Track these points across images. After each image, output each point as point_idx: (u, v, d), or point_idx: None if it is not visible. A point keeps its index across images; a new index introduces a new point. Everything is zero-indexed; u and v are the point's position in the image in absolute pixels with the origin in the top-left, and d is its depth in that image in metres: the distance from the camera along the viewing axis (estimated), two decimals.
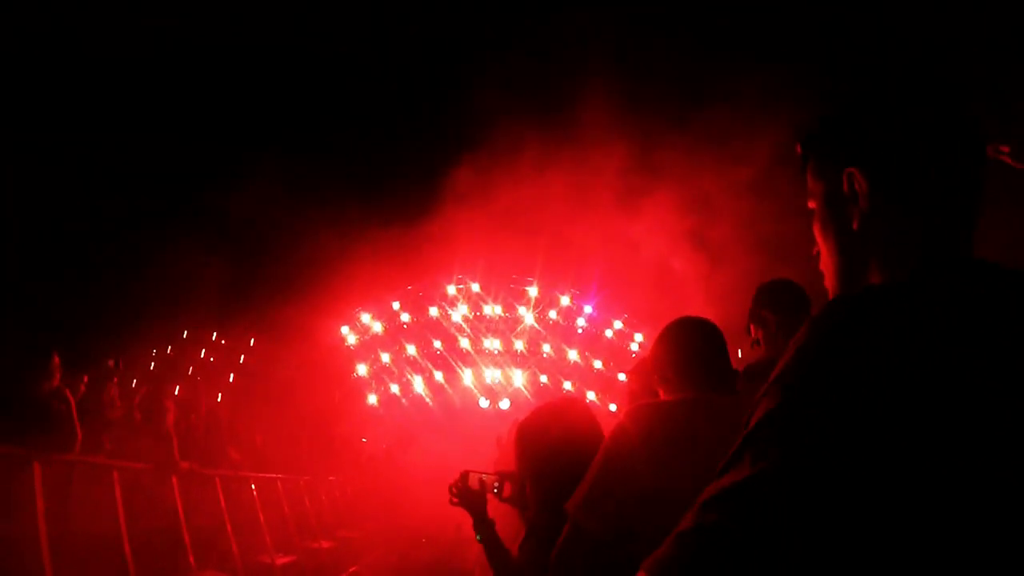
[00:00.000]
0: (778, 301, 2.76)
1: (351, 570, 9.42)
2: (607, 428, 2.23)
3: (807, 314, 2.80)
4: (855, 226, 0.93)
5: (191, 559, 5.98)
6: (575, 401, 2.37)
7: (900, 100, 0.95)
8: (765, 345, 2.76)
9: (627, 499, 1.65)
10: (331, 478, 11.61)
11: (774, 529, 0.72)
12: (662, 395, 2.02)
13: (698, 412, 1.77)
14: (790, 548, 0.71)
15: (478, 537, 2.35)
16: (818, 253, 1.02)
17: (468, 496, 2.39)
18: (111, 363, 6.95)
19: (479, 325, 18.46)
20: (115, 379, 6.80)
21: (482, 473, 2.44)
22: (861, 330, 0.76)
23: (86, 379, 6.35)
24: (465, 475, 2.42)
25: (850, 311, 0.80)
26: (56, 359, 5.04)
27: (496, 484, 2.39)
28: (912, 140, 0.91)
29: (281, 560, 7.86)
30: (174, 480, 6.26)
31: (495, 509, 2.56)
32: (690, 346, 1.98)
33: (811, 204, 1.02)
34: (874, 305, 0.79)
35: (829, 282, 1.00)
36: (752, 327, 2.80)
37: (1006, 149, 2.04)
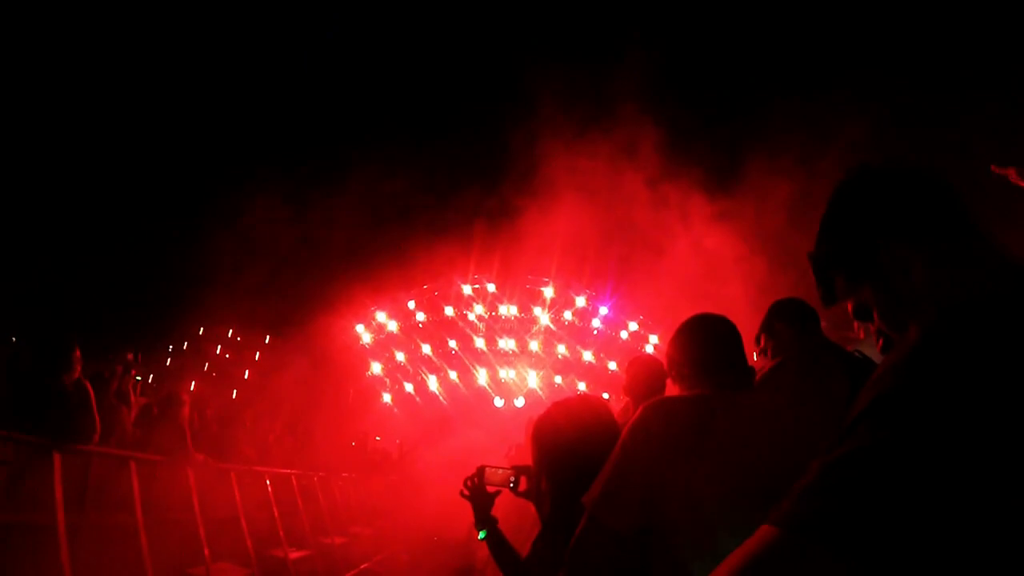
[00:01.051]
0: (791, 313, 2.97)
1: (363, 566, 9.46)
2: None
3: (817, 326, 2.92)
4: (897, 283, 1.07)
5: (206, 551, 6.03)
6: (591, 398, 2.36)
7: (910, 181, 1.11)
8: (772, 354, 2.92)
9: (644, 493, 1.64)
10: (344, 475, 11.66)
11: (889, 493, 0.79)
12: (678, 391, 2.01)
13: (716, 408, 1.75)
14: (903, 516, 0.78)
15: (480, 535, 2.36)
16: (878, 336, 1.25)
17: (477, 492, 2.40)
18: (130, 356, 7.05)
19: (494, 325, 18.48)
20: (133, 372, 6.89)
21: (499, 467, 2.45)
22: (965, 339, 0.88)
23: (106, 373, 6.44)
24: (482, 469, 2.43)
25: (954, 322, 0.92)
26: (78, 352, 5.10)
27: (512, 478, 2.40)
28: (932, 209, 1.07)
29: (294, 555, 7.91)
30: (189, 472, 6.32)
31: (510, 503, 2.57)
32: (708, 343, 1.98)
33: (851, 308, 1.19)
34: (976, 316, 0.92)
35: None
36: (763, 337, 2.98)
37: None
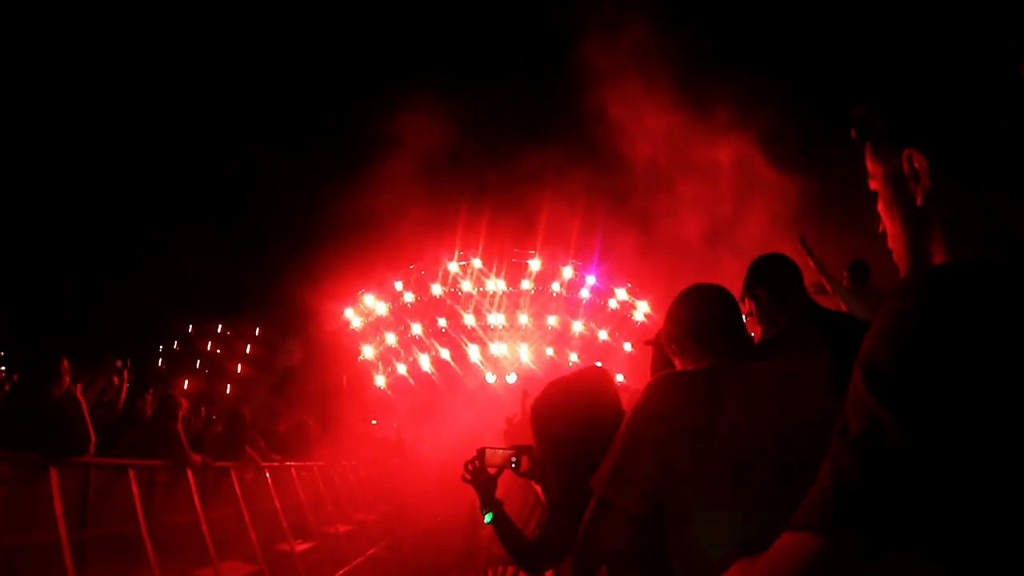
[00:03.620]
0: (772, 277, 2.76)
1: (369, 553, 9.53)
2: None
3: (800, 288, 2.81)
4: (919, 203, 0.94)
5: (212, 551, 6.04)
6: (587, 373, 2.30)
7: (953, 75, 0.95)
8: (758, 319, 2.76)
9: (654, 474, 1.61)
10: (344, 462, 11.69)
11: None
12: (679, 365, 1.96)
13: (722, 380, 1.69)
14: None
15: (486, 518, 2.35)
16: (884, 231, 1.04)
17: (480, 475, 2.38)
18: (119, 363, 6.95)
19: (483, 301, 18.49)
20: (125, 375, 6.81)
21: (499, 448, 2.44)
22: (959, 301, 0.76)
23: (102, 385, 6.38)
24: (482, 452, 2.41)
25: (949, 285, 0.80)
26: (64, 363, 5.04)
27: (514, 459, 2.39)
28: (968, 115, 0.91)
29: (300, 547, 7.94)
30: (189, 475, 6.31)
31: (513, 484, 2.55)
32: (708, 313, 1.92)
33: (873, 185, 1.04)
34: (968, 280, 0.80)
35: (897, 258, 1.02)
36: (746, 300, 2.78)
37: None
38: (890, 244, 1.03)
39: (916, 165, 0.93)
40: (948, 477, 0.68)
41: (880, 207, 1.03)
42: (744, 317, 2.82)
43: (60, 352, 5.10)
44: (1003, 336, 0.72)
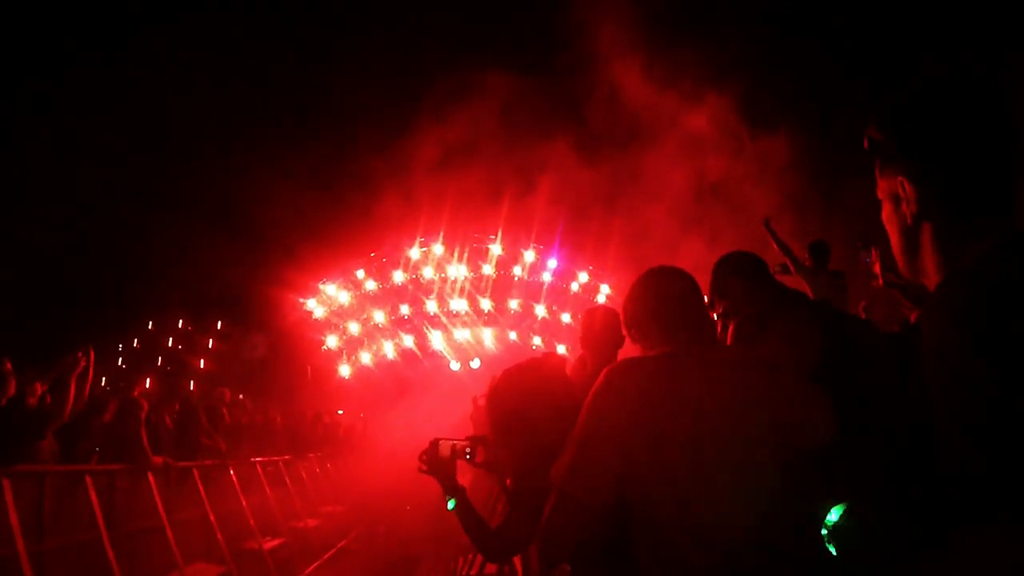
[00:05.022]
0: (742, 267, 2.70)
1: (340, 545, 9.49)
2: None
3: (771, 276, 2.81)
4: (908, 222, 1.07)
5: (178, 555, 5.96)
6: (540, 361, 2.26)
7: (945, 105, 1.05)
8: (730, 313, 2.68)
9: (615, 462, 1.57)
10: (310, 455, 11.61)
11: None
12: (640, 350, 1.91)
13: (686, 365, 1.67)
14: None
15: (449, 506, 2.34)
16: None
17: (437, 464, 2.36)
18: (79, 354, 6.49)
19: (445, 287, 18.40)
20: (82, 371, 6.50)
21: (453, 440, 2.43)
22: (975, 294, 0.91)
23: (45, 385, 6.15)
24: (435, 443, 2.39)
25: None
26: (8, 365, 4.88)
27: (468, 449, 2.38)
28: (953, 151, 1.02)
29: (269, 544, 7.89)
30: (151, 477, 6.19)
31: (468, 473, 2.54)
32: (670, 297, 1.87)
33: (879, 195, 1.16)
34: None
35: (900, 266, 1.16)
36: (716, 300, 2.72)
37: None
38: (893, 252, 1.16)
39: (906, 189, 1.05)
40: None
41: (883, 217, 1.15)
42: (715, 317, 2.80)
43: (2, 355, 4.93)
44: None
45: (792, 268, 5.19)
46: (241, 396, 11.40)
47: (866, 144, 1.14)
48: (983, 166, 1.01)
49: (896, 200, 1.09)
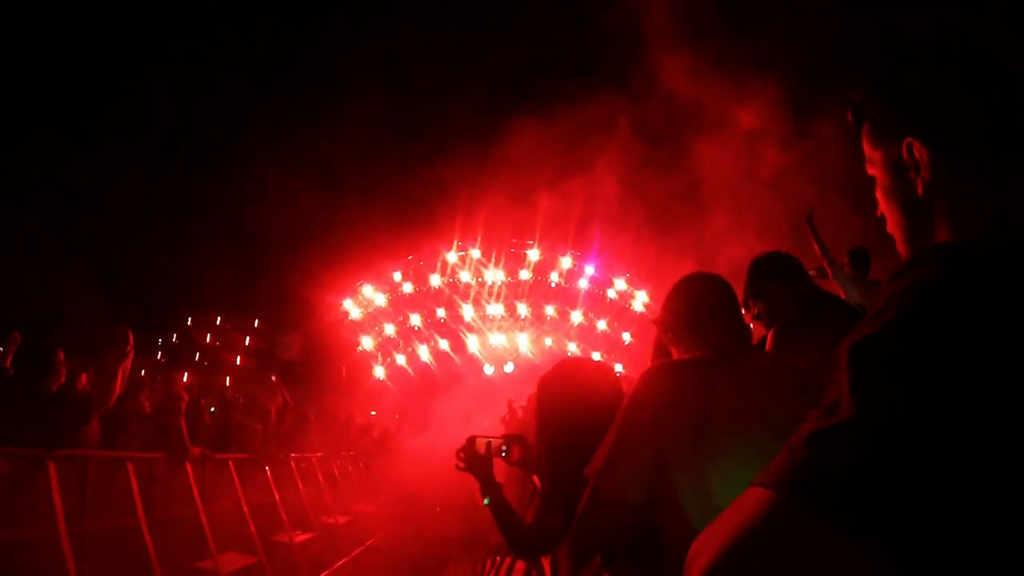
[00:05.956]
0: (779, 270, 2.68)
1: (368, 543, 9.57)
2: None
3: (809, 279, 2.76)
4: (919, 193, 0.91)
5: (211, 543, 6.07)
6: (595, 363, 2.34)
7: (954, 61, 0.91)
8: (767, 316, 2.65)
9: (649, 462, 1.59)
10: (343, 453, 11.72)
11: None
12: (675, 353, 1.95)
13: (719, 370, 1.68)
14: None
15: (485, 501, 2.37)
16: (882, 216, 1.00)
17: (474, 461, 2.40)
18: (127, 348, 6.55)
19: (481, 291, 18.49)
20: (128, 363, 6.65)
21: (489, 437, 2.46)
22: (960, 282, 0.73)
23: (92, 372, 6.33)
24: (471, 440, 2.43)
25: (948, 264, 0.77)
26: (60, 355, 5.04)
27: (504, 447, 2.41)
28: (972, 106, 0.89)
29: (299, 538, 7.98)
30: (188, 467, 6.32)
31: (511, 470, 2.57)
32: (705, 302, 1.90)
33: (870, 170, 1.00)
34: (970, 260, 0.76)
35: (900, 246, 0.99)
36: (751, 302, 2.69)
37: None
38: (889, 230, 1.00)
39: (917, 155, 0.90)
40: (899, 467, 0.65)
41: (878, 194, 1.00)
42: (751, 321, 2.76)
43: (56, 345, 5.10)
44: (997, 316, 0.68)
45: (830, 273, 5.04)
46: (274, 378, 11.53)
47: (849, 113, 1.00)
48: (1005, 123, 0.87)
49: (899, 169, 0.93)
